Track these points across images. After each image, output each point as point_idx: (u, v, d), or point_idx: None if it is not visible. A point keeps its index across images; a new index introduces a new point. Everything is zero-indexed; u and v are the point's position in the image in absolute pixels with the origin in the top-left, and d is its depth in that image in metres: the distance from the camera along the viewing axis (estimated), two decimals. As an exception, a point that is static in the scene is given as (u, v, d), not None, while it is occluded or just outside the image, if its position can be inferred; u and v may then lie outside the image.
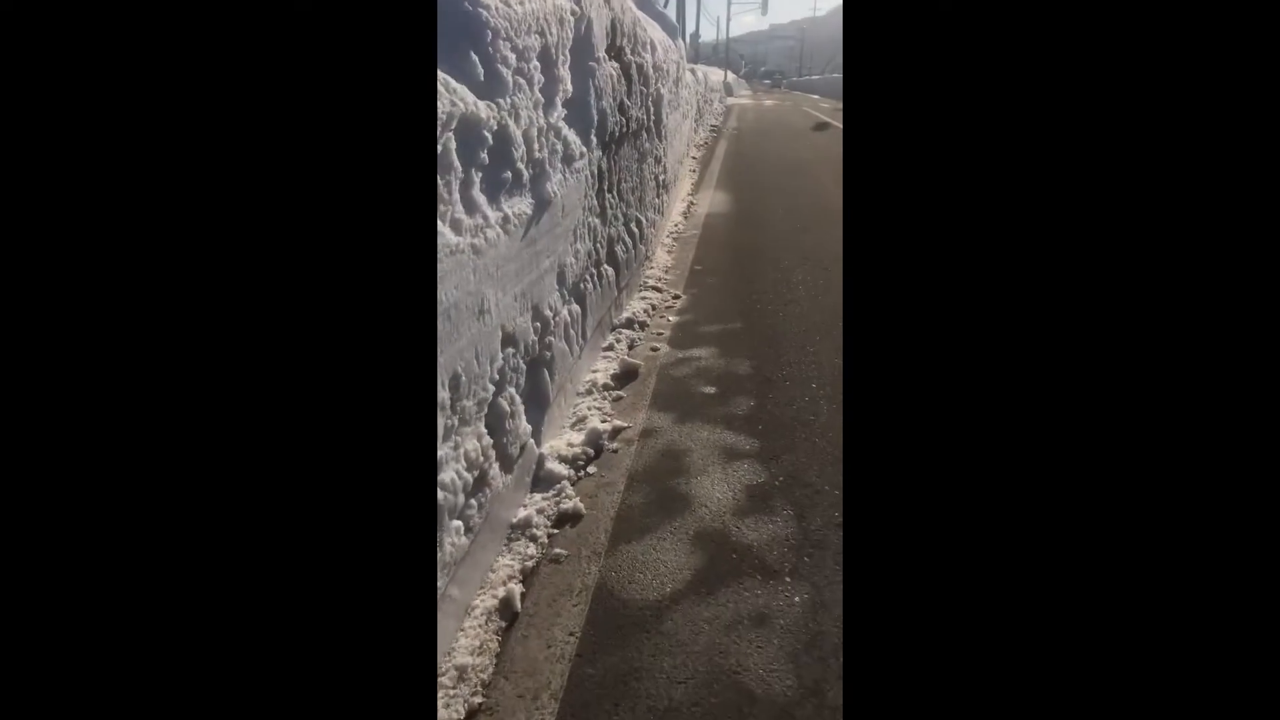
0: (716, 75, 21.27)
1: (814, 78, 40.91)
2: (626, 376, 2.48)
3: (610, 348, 2.69)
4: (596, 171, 2.50)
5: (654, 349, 2.75)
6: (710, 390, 2.40)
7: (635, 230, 3.24)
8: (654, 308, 3.18)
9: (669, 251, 4.15)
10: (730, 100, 24.74)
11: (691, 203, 5.56)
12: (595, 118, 2.38)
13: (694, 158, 8.31)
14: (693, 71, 10.22)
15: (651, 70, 3.46)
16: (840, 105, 22.79)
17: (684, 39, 25.67)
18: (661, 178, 4.09)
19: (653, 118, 3.63)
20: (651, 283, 3.49)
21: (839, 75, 38.60)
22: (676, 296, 3.37)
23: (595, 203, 2.46)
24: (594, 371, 2.47)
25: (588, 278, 2.40)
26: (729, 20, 36.84)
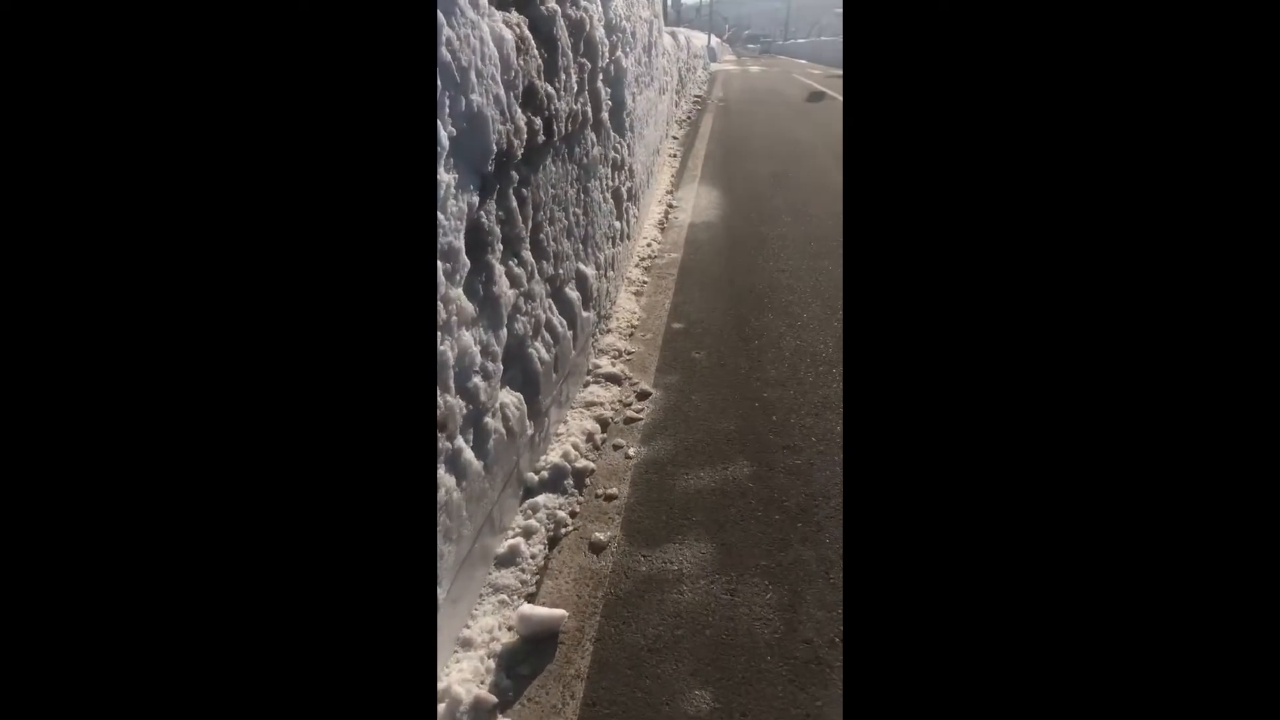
0: (699, 39, 19.73)
1: (800, 42, 39.11)
2: (527, 668, 1.22)
3: (509, 562, 1.44)
4: (476, 228, 1.27)
5: (591, 554, 1.50)
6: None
7: (574, 299, 2.00)
8: (603, 428, 1.96)
9: (637, 293, 2.92)
10: (715, 66, 23.26)
11: (670, 206, 4.30)
12: (456, 131, 1.13)
13: (675, 138, 7.00)
14: (673, 35, 8.84)
15: (600, 31, 2.18)
16: (832, 72, 21.33)
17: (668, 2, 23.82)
18: (626, 187, 2.84)
19: (605, 106, 2.36)
20: (606, 364, 2.26)
21: (828, 39, 36.85)
22: (643, 394, 2.15)
23: (466, 303, 1.22)
24: (456, 663, 1.19)
25: (455, 464, 1.19)
26: (712, -21, 34.90)
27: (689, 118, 8.73)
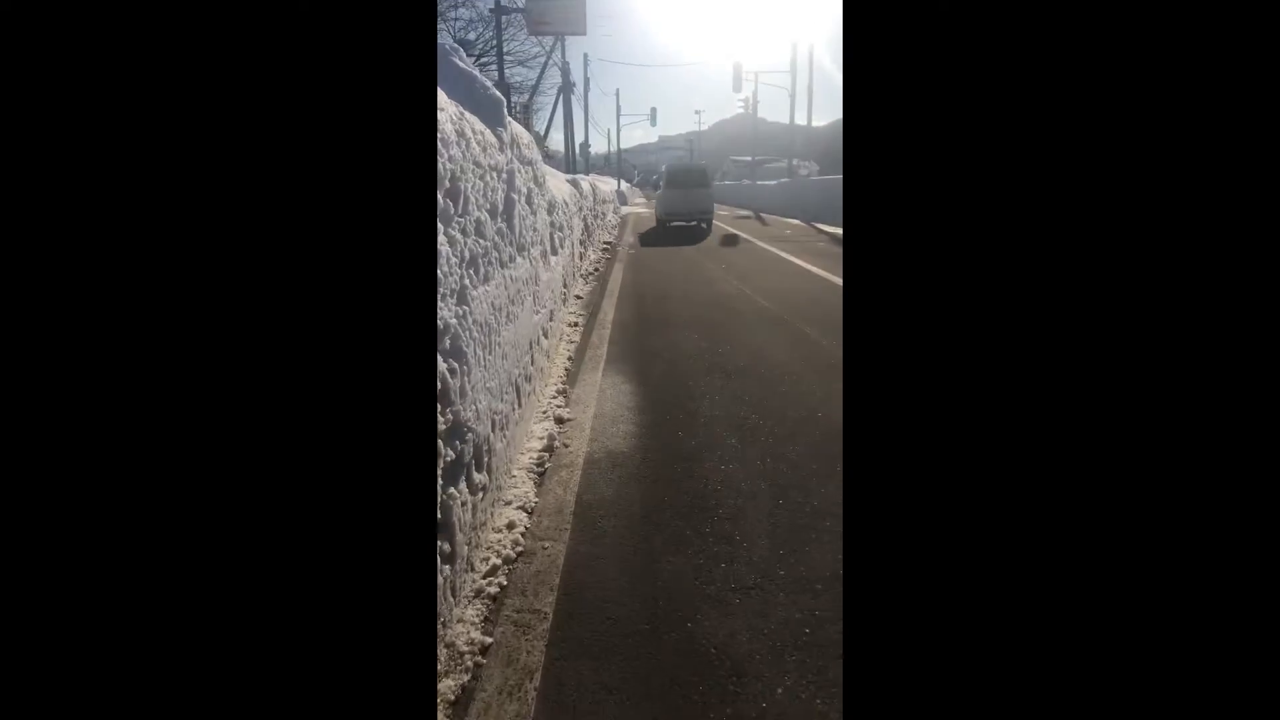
0: (609, 185, 19.83)
1: (706, 185, 41.19)
2: None
3: None
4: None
5: None
6: None
7: None
8: None
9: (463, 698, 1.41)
10: (625, 209, 23.52)
11: (560, 420, 2.91)
12: None
13: (579, 297, 5.82)
14: (574, 183, 8.00)
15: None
16: (739, 213, 21.81)
17: (574, 148, 24.43)
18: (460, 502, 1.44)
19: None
20: None
21: (730, 182, 39.14)
22: None
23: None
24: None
25: None
26: (619, 131, 36.90)
27: (596, 270, 7.70)
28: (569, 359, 3.88)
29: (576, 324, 4.83)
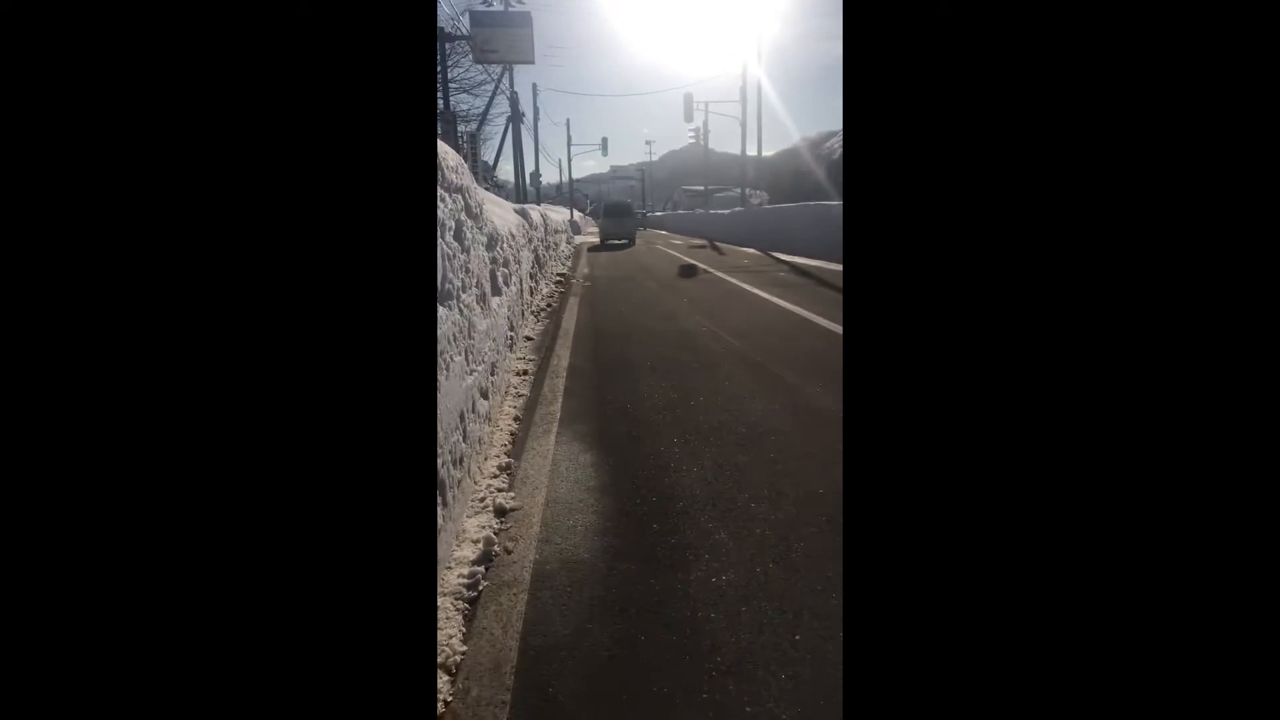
0: (559, 215, 19.36)
1: (658, 214, 41.38)
2: None
3: None
4: None
5: None
6: None
7: None
8: None
9: None
10: (579, 239, 23.11)
11: (501, 511, 2.29)
12: None
13: (530, 339, 5.23)
14: (523, 214, 7.46)
15: None
16: (693, 242, 21.60)
17: (524, 178, 23.96)
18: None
19: None
20: None
21: (682, 211, 39.25)
22: None
23: None
24: None
25: None
26: (570, 160, 36.61)
27: (549, 306, 7.11)
28: (515, 419, 3.28)
29: (526, 372, 4.23)
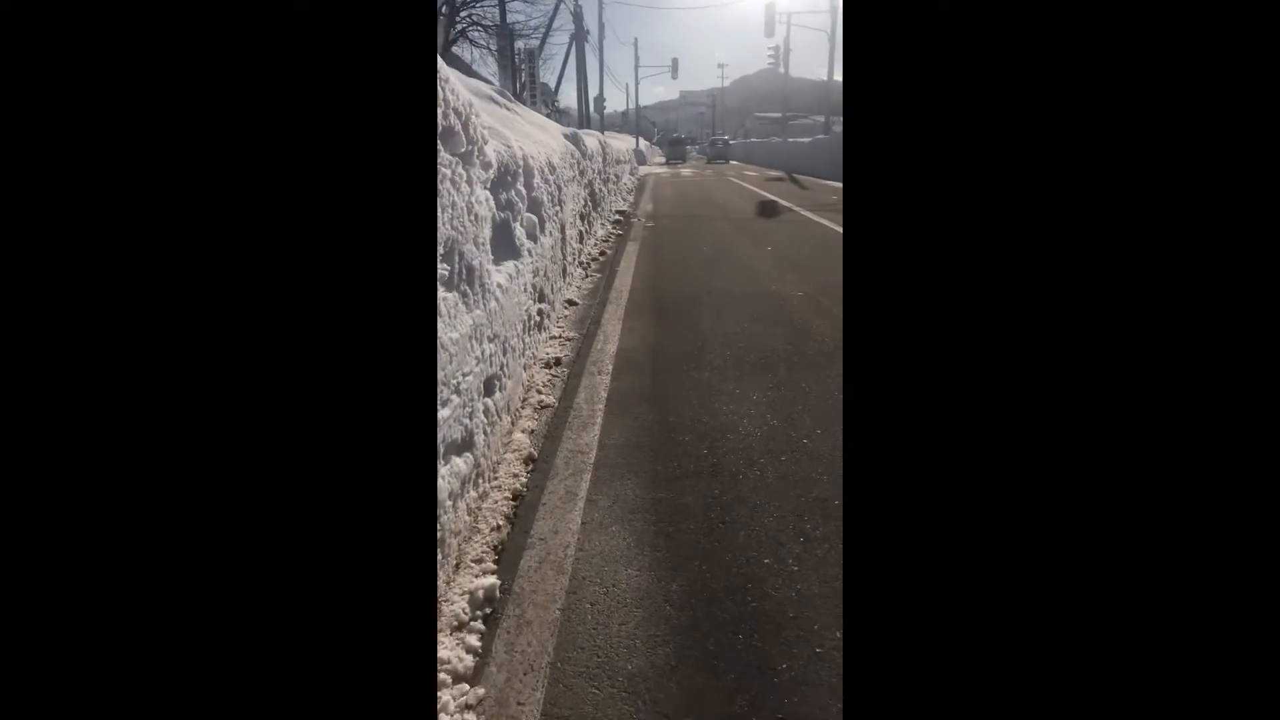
0: (622, 143, 17.76)
1: (732, 143, 38.73)
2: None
3: None
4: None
5: None
6: None
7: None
8: None
9: None
10: (643, 170, 21.50)
11: (466, 712, 1.17)
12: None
13: (571, 304, 4.04)
14: (575, 140, 6.14)
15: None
16: (769, 174, 19.62)
17: (588, 103, 22.23)
18: None
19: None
20: None
21: (756, 140, 36.50)
22: None
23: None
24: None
25: None
26: (638, 84, 34.15)
27: (602, 255, 5.85)
28: (527, 460, 2.11)
29: (559, 361, 3.04)
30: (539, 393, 2.65)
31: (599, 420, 2.42)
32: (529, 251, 2.82)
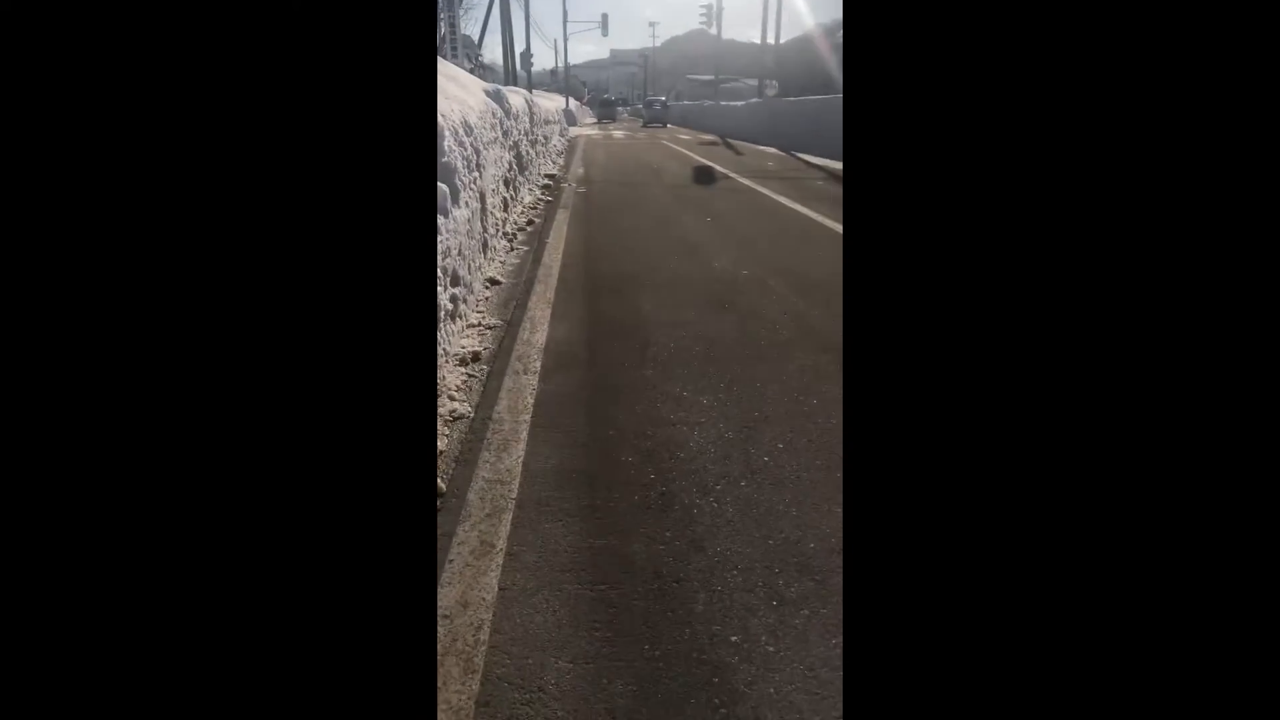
0: (551, 103, 16.92)
1: (672, 105, 37.96)
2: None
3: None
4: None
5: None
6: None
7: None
8: None
9: None
10: (574, 131, 20.69)
11: None
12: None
13: (494, 283, 3.58)
14: (497, 97, 5.57)
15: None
16: (702, 137, 19.20)
17: (514, 59, 21.05)
18: None
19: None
20: None
21: (689, 102, 35.78)
22: None
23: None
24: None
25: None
26: (566, 41, 32.63)
27: (530, 224, 5.35)
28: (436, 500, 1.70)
29: (477, 357, 2.61)
30: (451, 399, 2.22)
31: (524, 436, 2.02)
32: (451, 213, 2.35)
